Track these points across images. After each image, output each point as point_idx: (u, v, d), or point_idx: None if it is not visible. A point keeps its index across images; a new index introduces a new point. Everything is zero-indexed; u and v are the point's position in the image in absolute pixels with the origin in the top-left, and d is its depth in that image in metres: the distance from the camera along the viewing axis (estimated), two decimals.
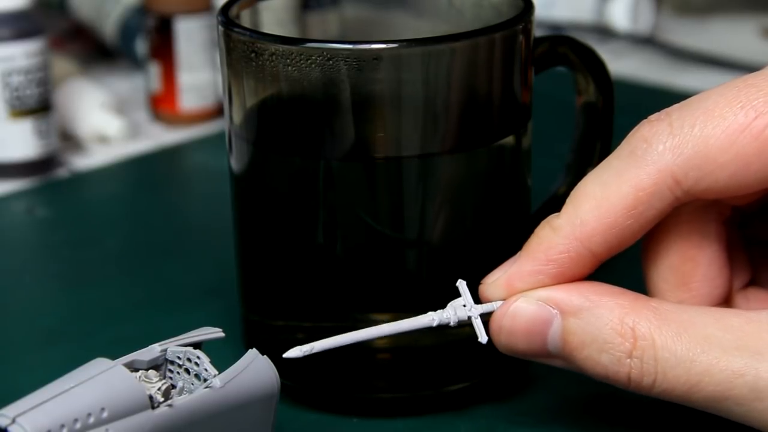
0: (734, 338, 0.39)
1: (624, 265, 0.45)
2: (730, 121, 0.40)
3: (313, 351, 0.41)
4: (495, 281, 0.43)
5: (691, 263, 0.43)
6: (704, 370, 0.39)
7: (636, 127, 0.41)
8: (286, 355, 0.41)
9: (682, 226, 0.43)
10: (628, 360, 0.40)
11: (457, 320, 0.42)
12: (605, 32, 0.91)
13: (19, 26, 0.69)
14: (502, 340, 0.42)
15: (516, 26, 0.45)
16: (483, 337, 0.42)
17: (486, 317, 0.43)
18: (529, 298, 0.42)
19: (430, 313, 0.42)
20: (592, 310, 0.41)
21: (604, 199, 0.41)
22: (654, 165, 0.40)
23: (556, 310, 0.41)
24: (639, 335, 0.40)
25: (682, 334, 0.40)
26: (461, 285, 0.43)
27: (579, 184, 0.42)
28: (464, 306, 0.42)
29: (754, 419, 0.40)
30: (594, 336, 0.41)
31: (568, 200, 0.42)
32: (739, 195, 0.41)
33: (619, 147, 0.42)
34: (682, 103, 0.41)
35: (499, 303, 0.42)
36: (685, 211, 0.43)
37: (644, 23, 0.90)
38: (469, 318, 0.42)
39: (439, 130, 0.44)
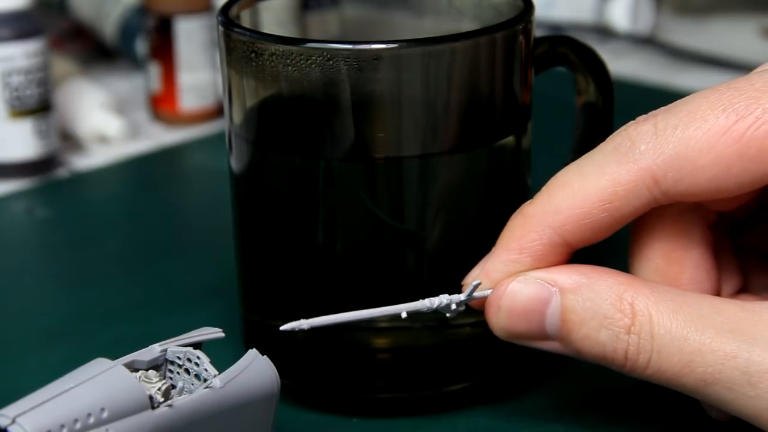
0: (728, 322, 0.39)
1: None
2: (711, 123, 0.40)
3: (311, 326, 0.41)
4: (474, 278, 0.43)
5: (677, 266, 0.43)
6: (696, 350, 0.39)
7: (623, 127, 0.42)
8: (282, 327, 0.41)
9: (666, 229, 0.43)
10: (627, 336, 0.40)
11: (451, 302, 0.42)
12: (605, 32, 0.91)
13: (19, 26, 0.69)
14: (502, 321, 0.42)
15: (516, 26, 0.45)
16: (484, 293, 0.42)
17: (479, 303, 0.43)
18: (528, 277, 0.42)
19: (423, 299, 0.43)
20: (590, 287, 0.41)
21: (582, 189, 0.41)
22: (635, 163, 0.41)
23: (555, 288, 0.41)
24: (637, 311, 0.40)
25: (678, 312, 0.40)
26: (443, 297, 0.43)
27: (556, 174, 0.42)
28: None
29: (744, 406, 0.39)
30: (593, 312, 0.41)
31: (543, 189, 0.42)
32: (720, 199, 0.41)
33: (603, 143, 0.42)
34: (670, 105, 0.41)
35: (488, 292, 0.42)
36: (669, 214, 0.43)
37: (644, 23, 0.90)
38: (462, 302, 0.43)
39: (439, 130, 0.44)
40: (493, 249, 0.43)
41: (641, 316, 0.40)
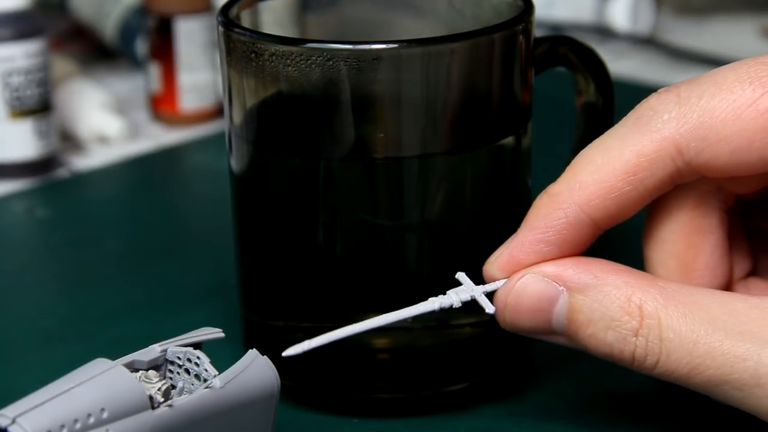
0: (738, 323, 0.39)
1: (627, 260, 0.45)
2: (738, 95, 0.40)
3: (312, 347, 0.41)
4: (498, 257, 0.42)
5: (694, 251, 0.43)
6: (706, 353, 0.39)
7: (645, 98, 0.41)
8: (285, 353, 0.41)
9: (687, 214, 0.43)
10: (634, 339, 0.40)
11: (460, 302, 0.42)
12: (605, 32, 0.91)
13: (19, 26, 0.69)
14: (507, 317, 0.42)
15: (516, 27, 0.45)
16: (490, 308, 0.42)
17: (489, 297, 0.42)
18: (536, 274, 0.41)
19: (431, 299, 0.42)
20: (599, 288, 0.41)
21: (605, 163, 0.41)
22: (658, 132, 0.40)
23: (562, 287, 0.41)
24: (646, 314, 0.40)
25: (688, 316, 0.40)
26: (461, 276, 0.43)
27: (581, 152, 0.42)
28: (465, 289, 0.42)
29: (752, 405, 0.39)
30: (601, 314, 0.40)
31: (568, 167, 0.42)
32: (740, 175, 0.41)
33: (626, 116, 0.42)
34: (693, 78, 0.41)
35: (503, 282, 0.42)
36: (690, 198, 0.42)
37: (644, 23, 0.90)
38: (472, 298, 0.42)
39: (438, 130, 0.44)
40: (519, 229, 0.42)
41: (649, 319, 0.40)
